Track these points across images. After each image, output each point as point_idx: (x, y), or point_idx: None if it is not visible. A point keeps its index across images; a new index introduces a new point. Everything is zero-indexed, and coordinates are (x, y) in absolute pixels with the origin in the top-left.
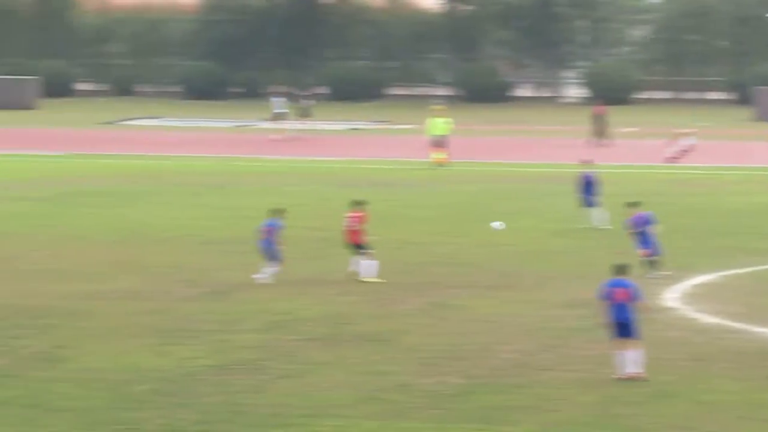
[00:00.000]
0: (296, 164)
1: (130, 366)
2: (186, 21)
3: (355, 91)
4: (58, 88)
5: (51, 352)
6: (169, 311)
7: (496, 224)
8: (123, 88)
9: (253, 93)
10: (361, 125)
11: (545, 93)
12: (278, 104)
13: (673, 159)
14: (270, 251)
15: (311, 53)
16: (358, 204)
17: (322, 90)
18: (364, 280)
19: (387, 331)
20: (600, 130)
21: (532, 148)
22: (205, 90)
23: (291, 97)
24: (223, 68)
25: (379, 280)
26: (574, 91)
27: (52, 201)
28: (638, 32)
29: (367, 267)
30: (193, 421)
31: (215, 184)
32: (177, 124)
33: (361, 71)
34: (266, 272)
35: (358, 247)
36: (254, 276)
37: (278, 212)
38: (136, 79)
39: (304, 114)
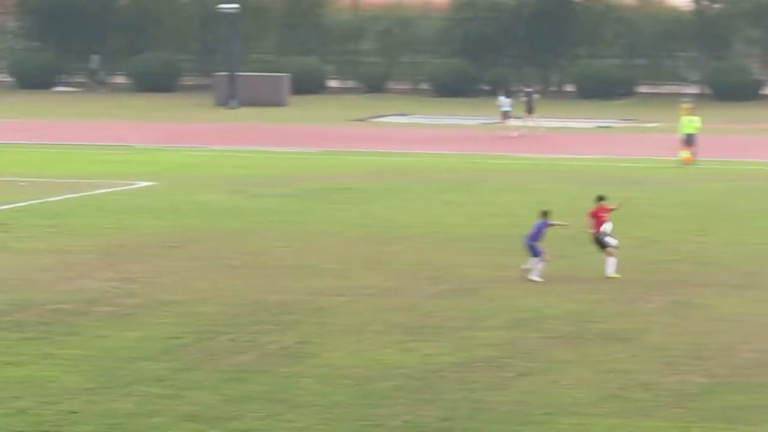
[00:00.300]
0: (543, 162)
1: (375, 362)
2: (436, 19)
3: (603, 89)
4: (308, 85)
5: (296, 347)
6: (414, 308)
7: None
8: (373, 86)
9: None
10: (608, 123)
11: None
12: (504, 103)
13: None
14: (533, 249)
15: (559, 51)
16: (600, 199)
17: (569, 88)
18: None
19: (630, 330)
20: None
21: None
22: (454, 87)
23: (515, 93)
24: (472, 66)
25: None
26: None
27: (301, 197)
28: None
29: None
30: (436, 417)
31: (462, 180)
32: (426, 122)
33: (609, 69)
34: (534, 270)
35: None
36: (529, 277)
37: (545, 214)
38: (386, 77)
39: (529, 110)
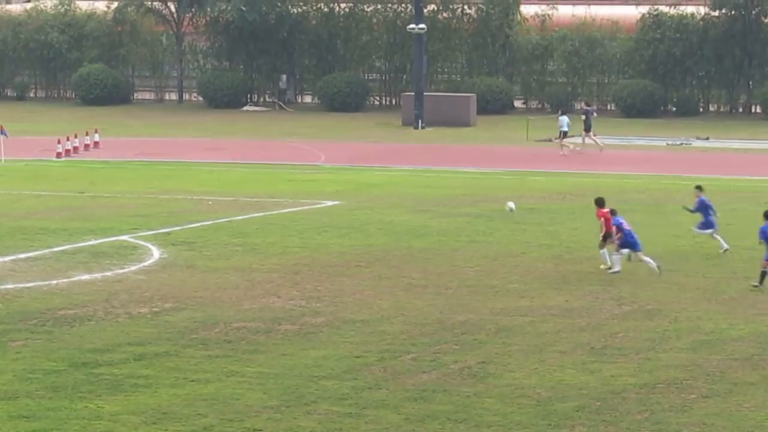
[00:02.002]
0: (723, 183)
1: (557, 383)
2: (623, 39)
3: None
4: (495, 105)
5: (478, 367)
6: (598, 328)
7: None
8: (559, 106)
9: (690, 111)
10: None
11: None
12: (563, 122)
13: None
14: None
15: (747, 72)
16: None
17: (756, 109)
18: None
19: None
20: None
21: None
22: (640, 108)
23: (573, 111)
24: (659, 86)
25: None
26: None
27: (487, 217)
28: None
29: None
30: None
31: (648, 201)
32: (612, 142)
33: None
34: None
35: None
36: None
37: None
38: (572, 97)
39: (587, 127)
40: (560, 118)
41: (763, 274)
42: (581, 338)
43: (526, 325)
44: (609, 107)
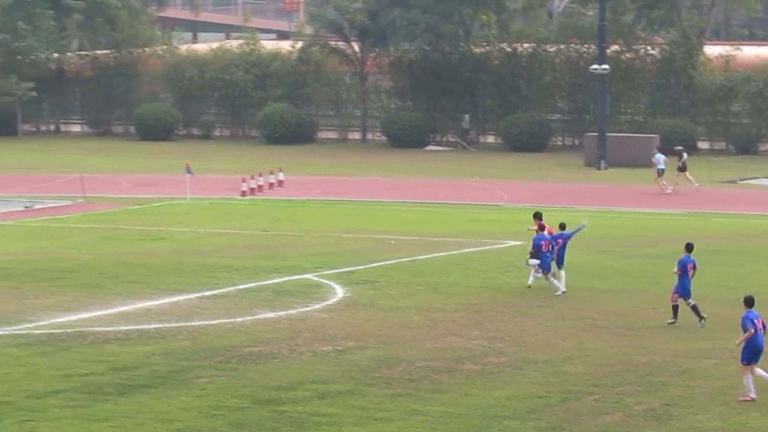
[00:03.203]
0: None
1: (741, 426)
2: None
3: None
4: (680, 145)
5: (662, 410)
6: None
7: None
8: (744, 147)
9: None
10: None
11: None
12: (659, 160)
13: None
14: None
15: None
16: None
17: None
18: None
19: None
20: None
21: None
22: None
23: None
24: None
25: None
26: None
27: (669, 258)
28: None
29: None
30: None
31: None
32: None
33: None
34: None
35: None
36: None
37: None
38: (757, 138)
39: (682, 168)
40: (656, 156)
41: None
42: (765, 381)
43: (709, 367)
44: None
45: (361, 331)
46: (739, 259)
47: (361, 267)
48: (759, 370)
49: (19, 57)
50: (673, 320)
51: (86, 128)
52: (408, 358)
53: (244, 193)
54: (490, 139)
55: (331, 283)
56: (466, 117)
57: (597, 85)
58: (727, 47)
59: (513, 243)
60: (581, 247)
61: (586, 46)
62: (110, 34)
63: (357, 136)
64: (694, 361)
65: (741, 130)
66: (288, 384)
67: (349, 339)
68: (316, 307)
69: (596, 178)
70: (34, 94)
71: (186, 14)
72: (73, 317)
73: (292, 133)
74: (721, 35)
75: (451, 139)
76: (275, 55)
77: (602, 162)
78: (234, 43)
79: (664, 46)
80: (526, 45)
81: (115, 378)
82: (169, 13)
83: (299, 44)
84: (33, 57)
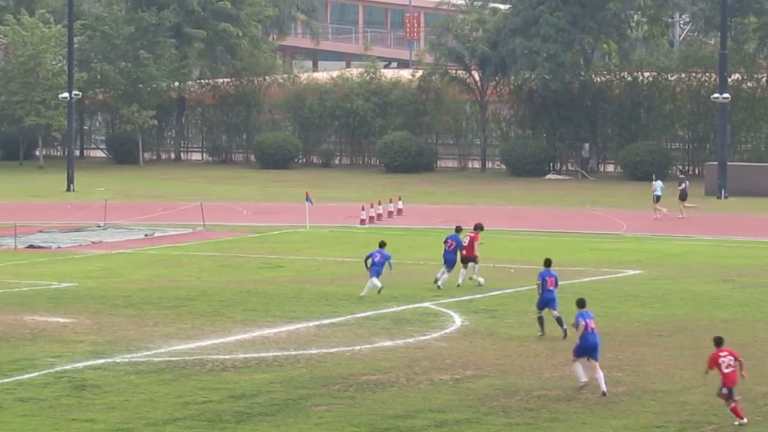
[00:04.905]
0: None
1: None
2: None
3: None
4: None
5: None
6: None
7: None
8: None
9: None
10: None
11: None
12: (658, 187)
13: None
14: None
15: None
16: (477, 227)
17: None
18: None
19: None
20: None
21: None
22: None
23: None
24: None
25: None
26: None
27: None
28: None
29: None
30: None
31: None
32: None
33: None
34: None
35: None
36: None
37: None
38: None
39: (682, 196)
40: (654, 183)
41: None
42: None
43: None
44: None
45: (479, 359)
46: None
47: (480, 296)
48: (599, 373)
49: (140, 85)
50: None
51: (206, 156)
52: (526, 386)
53: (363, 222)
54: (610, 167)
55: (450, 312)
56: (586, 146)
57: (718, 114)
58: None
59: (632, 272)
60: (700, 276)
61: (707, 74)
62: (231, 62)
63: (476, 164)
64: None
65: None
66: (406, 412)
67: (467, 368)
68: (435, 335)
69: (717, 207)
70: (155, 122)
71: (307, 43)
72: (192, 345)
73: (412, 162)
74: None
75: (570, 168)
76: (395, 84)
77: (723, 191)
78: (354, 72)
79: None
80: (646, 74)
81: (233, 406)
82: (290, 41)
83: (419, 73)
84: (154, 85)
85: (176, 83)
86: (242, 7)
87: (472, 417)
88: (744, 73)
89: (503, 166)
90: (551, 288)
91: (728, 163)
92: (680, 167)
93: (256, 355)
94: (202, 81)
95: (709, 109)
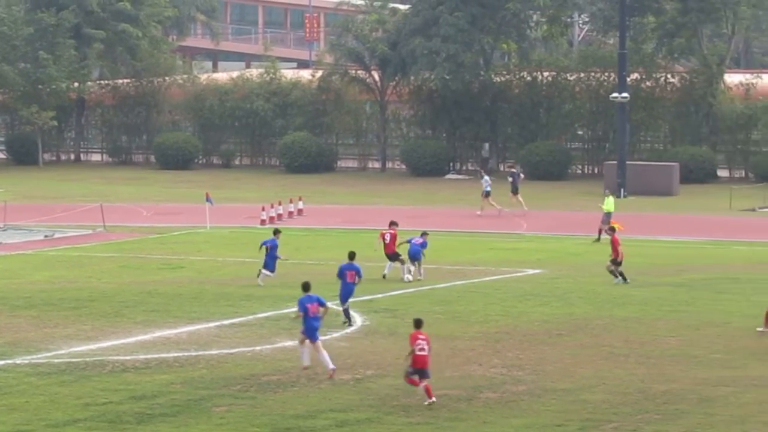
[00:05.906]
0: None
1: None
2: None
3: None
4: (698, 175)
5: None
6: None
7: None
8: (764, 175)
9: None
10: None
11: None
12: (486, 182)
13: None
14: None
15: None
16: (392, 224)
17: None
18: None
19: None
20: None
21: None
22: None
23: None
24: None
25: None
26: None
27: (689, 286)
28: None
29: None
30: None
31: None
32: None
33: None
34: None
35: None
36: None
37: None
38: None
39: (514, 191)
40: (483, 178)
41: None
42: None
43: (729, 395)
44: None
45: (381, 359)
46: (760, 288)
47: (381, 295)
48: (323, 354)
49: (40, 86)
50: None
51: (107, 157)
52: None
53: (263, 222)
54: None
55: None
56: (486, 145)
57: (617, 114)
58: (748, 75)
59: (532, 271)
60: (601, 275)
61: (606, 74)
62: (131, 63)
63: (377, 164)
64: (714, 389)
65: (761, 159)
66: (307, 412)
67: (368, 367)
68: (336, 335)
69: (616, 206)
70: (55, 123)
71: (206, 43)
72: (93, 346)
73: (312, 162)
74: (741, 63)
75: (470, 168)
76: (295, 84)
77: (622, 190)
78: (254, 72)
79: (684, 74)
80: (546, 73)
81: (134, 407)
82: (190, 42)
83: (319, 73)
84: (54, 86)
85: (76, 84)
86: (142, 8)
87: (373, 416)
88: (643, 72)
89: (403, 166)
90: (351, 281)
91: (627, 163)
92: (511, 160)
93: (156, 355)
94: (102, 82)
95: (609, 108)
